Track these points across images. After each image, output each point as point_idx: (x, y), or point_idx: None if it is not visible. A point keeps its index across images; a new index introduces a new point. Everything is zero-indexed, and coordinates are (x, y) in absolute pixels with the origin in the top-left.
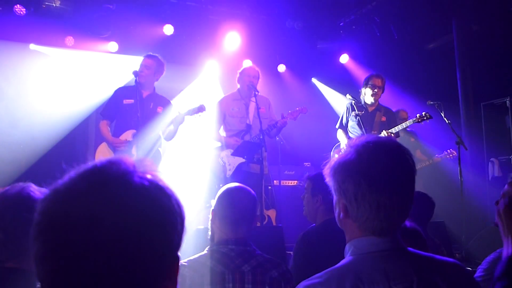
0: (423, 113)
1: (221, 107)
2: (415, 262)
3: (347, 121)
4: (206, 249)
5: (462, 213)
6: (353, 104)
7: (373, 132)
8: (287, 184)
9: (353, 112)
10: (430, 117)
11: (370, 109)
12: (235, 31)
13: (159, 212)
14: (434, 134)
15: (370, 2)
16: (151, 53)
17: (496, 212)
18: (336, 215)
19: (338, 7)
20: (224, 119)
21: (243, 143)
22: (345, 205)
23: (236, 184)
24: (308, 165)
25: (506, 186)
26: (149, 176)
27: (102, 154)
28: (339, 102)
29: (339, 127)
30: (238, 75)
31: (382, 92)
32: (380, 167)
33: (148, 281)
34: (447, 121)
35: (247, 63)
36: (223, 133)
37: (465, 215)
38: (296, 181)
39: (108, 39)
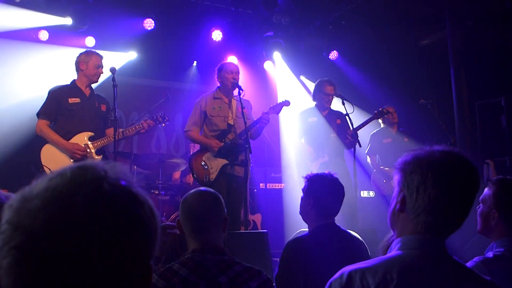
0: (381, 108)
1: (201, 106)
2: (457, 271)
3: (304, 128)
4: (181, 257)
5: None
6: (308, 111)
7: (332, 135)
8: (273, 187)
9: (309, 118)
10: (387, 112)
11: (324, 113)
12: (219, 27)
13: (129, 220)
14: (429, 134)
15: None
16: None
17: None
18: (390, 210)
19: (327, 1)
20: (205, 119)
21: (226, 144)
22: (405, 196)
23: (200, 188)
24: (295, 167)
25: (486, 190)
26: (121, 183)
27: (53, 156)
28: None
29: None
30: (217, 72)
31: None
32: (450, 169)
33: None
34: (440, 121)
35: (232, 60)
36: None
37: None
38: (283, 184)
39: (85, 33)
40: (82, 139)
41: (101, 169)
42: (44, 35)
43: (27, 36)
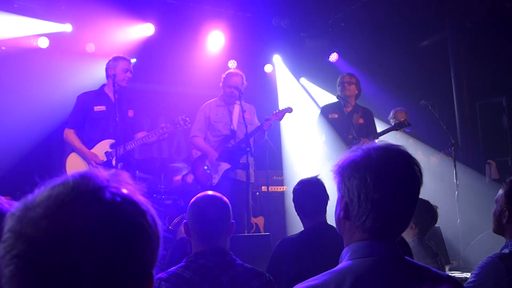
0: (402, 119)
1: (205, 113)
2: (413, 272)
3: (324, 123)
4: (184, 260)
5: (458, 218)
6: (330, 106)
7: (349, 137)
8: (275, 190)
9: (329, 114)
10: (409, 125)
11: (347, 110)
12: (219, 31)
13: (131, 229)
14: (430, 134)
15: None
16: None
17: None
18: (336, 216)
19: (327, 3)
20: (209, 124)
21: (228, 149)
22: (347, 203)
23: (209, 192)
24: (298, 170)
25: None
26: (123, 191)
27: (75, 165)
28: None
29: (316, 127)
30: (222, 79)
31: (357, 89)
32: (388, 170)
33: None
34: (440, 122)
35: (233, 64)
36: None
37: (461, 220)
38: (285, 187)
39: (85, 40)
40: (104, 147)
41: (103, 178)
42: (44, 42)
43: (26, 43)
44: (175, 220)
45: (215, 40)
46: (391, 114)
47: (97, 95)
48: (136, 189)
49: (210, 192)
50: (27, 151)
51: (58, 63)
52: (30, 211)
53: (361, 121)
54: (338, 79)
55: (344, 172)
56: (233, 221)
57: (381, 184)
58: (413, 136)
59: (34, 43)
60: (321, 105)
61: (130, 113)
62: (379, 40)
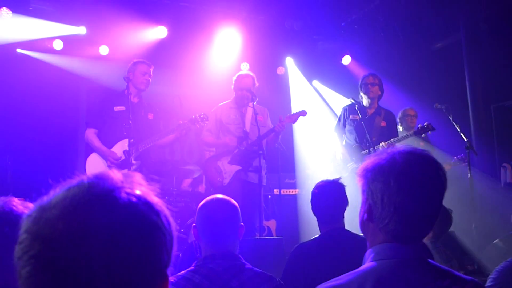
0: (425, 123)
1: (216, 115)
2: (437, 274)
3: (344, 125)
4: (194, 264)
5: (473, 222)
6: (352, 107)
7: (373, 139)
8: (287, 193)
9: (350, 116)
10: (433, 129)
11: (369, 112)
12: (232, 33)
13: (147, 229)
14: (444, 138)
15: (373, 1)
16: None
17: None
18: (360, 218)
19: (340, 6)
20: (221, 126)
21: (240, 151)
22: (371, 206)
23: (218, 195)
24: (310, 172)
25: None
26: (137, 192)
27: (95, 165)
28: (341, 105)
29: (335, 130)
30: (235, 82)
31: (380, 90)
32: (413, 173)
33: None
34: (455, 125)
35: (245, 67)
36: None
37: (476, 224)
38: (297, 190)
39: (99, 42)
40: (123, 146)
41: (117, 179)
42: (58, 45)
43: (41, 46)
44: (188, 222)
45: (227, 43)
46: (399, 114)
47: (118, 95)
48: (150, 190)
49: (219, 195)
50: (41, 153)
51: (72, 65)
52: (46, 212)
53: (383, 124)
54: (360, 80)
55: (369, 175)
56: (242, 224)
57: (404, 188)
58: (425, 140)
59: (49, 46)
60: (334, 108)
61: (150, 116)
62: (392, 43)
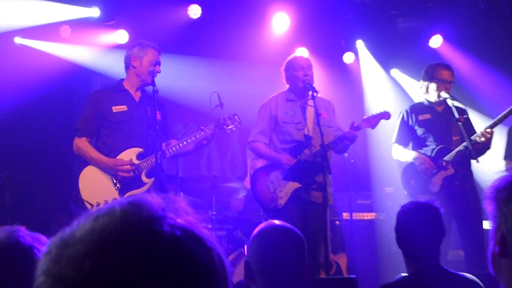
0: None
1: (271, 110)
2: None
3: (409, 132)
4: None
5: None
6: (416, 106)
7: (454, 138)
8: (361, 217)
9: (419, 116)
10: None
11: (439, 108)
12: (283, 12)
13: (195, 270)
14: None
15: None
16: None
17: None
18: (489, 252)
19: None
20: (276, 126)
21: (298, 164)
22: (504, 235)
23: (276, 222)
24: (390, 191)
25: None
26: (182, 223)
27: (94, 180)
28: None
29: (395, 142)
30: (284, 72)
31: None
32: None
33: None
34: None
35: (302, 52)
36: (276, 146)
37: None
38: (374, 214)
39: (115, 26)
40: (129, 157)
41: (158, 206)
42: (66, 31)
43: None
44: (231, 258)
45: (278, 25)
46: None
47: (115, 92)
48: (198, 220)
49: (277, 222)
50: (59, 174)
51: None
52: (69, 248)
53: (462, 119)
54: (433, 69)
55: (500, 196)
56: (308, 260)
57: None
58: None
59: (56, 32)
60: None
61: (158, 115)
62: (495, 19)
